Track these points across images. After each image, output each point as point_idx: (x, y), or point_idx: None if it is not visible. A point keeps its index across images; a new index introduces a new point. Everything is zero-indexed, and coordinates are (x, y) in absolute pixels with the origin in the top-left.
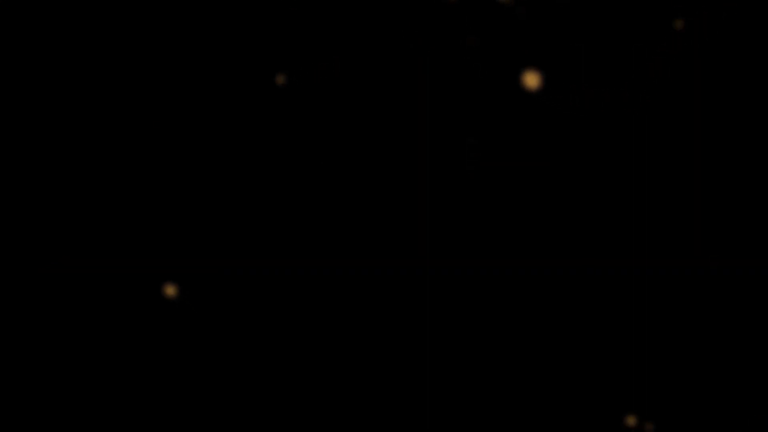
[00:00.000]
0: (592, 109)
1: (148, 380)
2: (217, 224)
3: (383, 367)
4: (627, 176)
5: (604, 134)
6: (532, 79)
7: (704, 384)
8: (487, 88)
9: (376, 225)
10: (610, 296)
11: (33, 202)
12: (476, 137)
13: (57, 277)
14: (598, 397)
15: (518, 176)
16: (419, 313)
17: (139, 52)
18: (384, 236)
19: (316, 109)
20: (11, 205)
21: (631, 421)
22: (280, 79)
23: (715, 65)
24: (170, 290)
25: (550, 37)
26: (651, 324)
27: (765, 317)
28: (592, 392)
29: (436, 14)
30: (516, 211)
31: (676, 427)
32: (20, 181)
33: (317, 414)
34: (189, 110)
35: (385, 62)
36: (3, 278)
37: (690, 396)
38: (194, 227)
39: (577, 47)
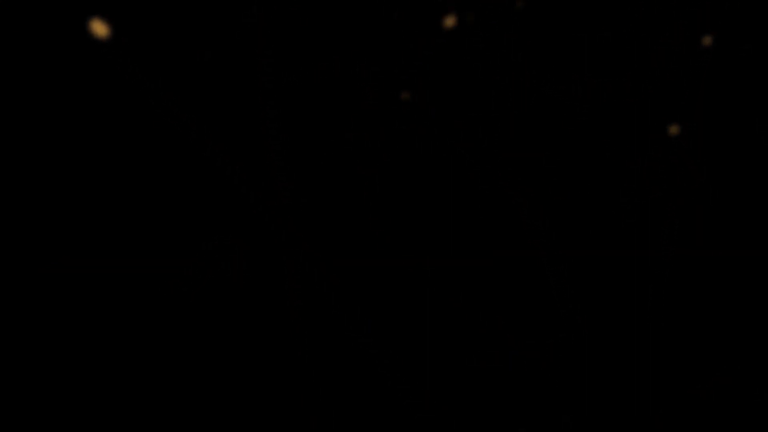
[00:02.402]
0: (595, 102)
1: (147, 380)
2: (215, 224)
3: (383, 364)
4: (629, 170)
5: (607, 127)
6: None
7: (705, 371)
8: (486, 87)
9: (378, 225)
10: (614, 290)
11: (33, 202)
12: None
13: (57, 277)
14: (598, 394)
15: (521, 168)
16: (419, 311)
17: (140, 53)
18: (385, 236)
19: (319, 110)
20: (11, 205)
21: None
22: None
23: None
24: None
25: (551, 31)
26: (651, 323)
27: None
28: (593, 388)
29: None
30: (521, 202)
31: (683, 417)
32: (20, 180)
33: (318, 412)
34: (190, 110)
35: (384, 62)
36: (3, 278)
37: (692, 386)
38: (193, 227)
39: (579, 38)
